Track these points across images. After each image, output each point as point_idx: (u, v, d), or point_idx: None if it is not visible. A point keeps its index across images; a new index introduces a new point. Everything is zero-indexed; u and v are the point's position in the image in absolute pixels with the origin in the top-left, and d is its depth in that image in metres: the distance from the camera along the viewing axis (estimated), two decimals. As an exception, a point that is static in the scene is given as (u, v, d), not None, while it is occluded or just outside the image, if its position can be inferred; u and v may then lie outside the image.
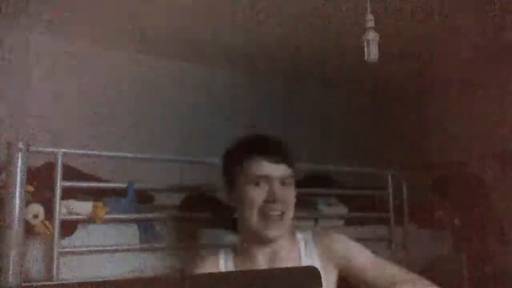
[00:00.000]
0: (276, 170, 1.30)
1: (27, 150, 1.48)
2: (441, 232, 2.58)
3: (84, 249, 1.61)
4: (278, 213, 1.28)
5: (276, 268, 1.19)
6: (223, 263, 1.34)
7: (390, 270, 1.29)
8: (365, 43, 1.45)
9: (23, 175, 1.46)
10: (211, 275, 1.14)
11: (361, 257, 1.31)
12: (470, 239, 2.60)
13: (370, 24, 1.45)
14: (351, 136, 3.30)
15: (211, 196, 2.00)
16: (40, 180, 1.57)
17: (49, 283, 1.46)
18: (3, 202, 1.45)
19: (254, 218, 1.28)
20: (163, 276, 1.61)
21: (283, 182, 1.31)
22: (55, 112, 2.44)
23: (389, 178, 2.38)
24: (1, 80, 2.32)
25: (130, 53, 2.74)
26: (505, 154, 2.88)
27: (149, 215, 1.78)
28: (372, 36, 1.44)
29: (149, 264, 1.70)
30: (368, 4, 1.46)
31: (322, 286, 0.87)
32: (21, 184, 1.46)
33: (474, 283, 2.53)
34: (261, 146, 1.35)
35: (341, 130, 3.28)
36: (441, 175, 2.88)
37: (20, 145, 1.47)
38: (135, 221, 1.73)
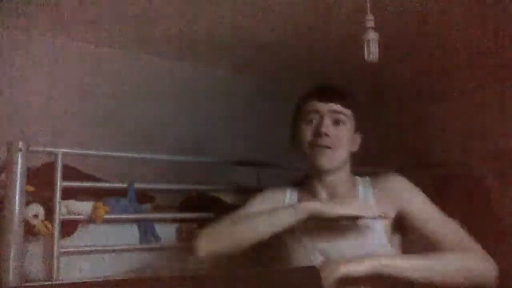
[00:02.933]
0: (325, 106, 1.43)
1: (27, 150, 1.48)
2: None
3: (84, 249, 1.61)
4: (325, 145, 1.40)
5: (276, 268, 1.20)
6: (289, 196, 1.49)
7: (447, 231, 1.38)
8: (365, 43, 1.45)
9: (23, 175, 1.47)
10: (211, 275, 1.14)
11: (421, 204, 1.40)
12: (470, 239, 2.59)
13: (370, 24, 1.46)
14: (351, 136, 3.30)
15: (211, 196, 2.01)
16: (40, 180, 1.57)
17: (49, 283, 1.46)
18: (3, 202, 1.45)
19: (307, 151, 1.43)
20: (163, 276, 1.61)
21: (335, 121, 1.43)
22: (55, 112, 2.44)
23: (389, 178, 2.37)
24: (1, 80, 2.32)
25: (130, 53, 2.74)
26: (505, 154, 2.88)
27: (149, 215, 1.79)
28: (372, 36, 1.44)
29: (149, 264, 1.70)
30: (368, 4, 1.46)
31: (322, 286, 0.87)
32: (21, 184, 1.46)
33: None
34: (316, 88, 1.52)
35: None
36: (441, 175, 2.88)
37: (20, 145, 1.47)
38: (135, 221, 1.73)
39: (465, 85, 3.23)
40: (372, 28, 1.45)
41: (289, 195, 1.50)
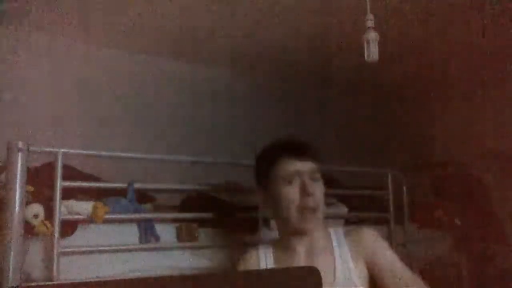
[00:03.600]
0: (304, 166, 1.42)
1: (27, 150, 1.48)
2: (441, 232, 2.58)
3: (84, 249, 1.61)
4: (312, 206, 1.40)
5: (276, 268, 1.20)
6: (263, 258, 1.48)
7: (404, 279, 1.33)
8: (365, 43, 1.45)
9: (23, 175, 1.46)
10: (211, 275, 1.14)
11: (384, 257, 1.40)
12: (470, 239, 2.60)
13: (370, 24, 1.46)
14: (351, 136, 3.30)
15: (211, 196, 2.00)
16: (40, 180, 1.57)
17: (49, 283, 1.46)
18: (3, 202, 1.45)
19: (292, 213, 1.40)
20: (163, 276, 1.61)
21: (312, 178, 1.42)
22: (55, 112, 2.43)
23: (389, 178, 2.38)
24: (1, 80, 2.32)
25: (130, 53, 2.74)
26: (505, 154, 2.88)
27: (149, 215, 1.79)
28: (372, 36, 1.44)
29: (149, 264, 1.70)
30: (368, 4, 1.46)
31: (322, 286, 0.87)
32: (21, 184, 1.46)
33: (474, 283, 2.53)
34: (288, 147, 1.48)
35: (341, 130, 3.28)
36: (441, 175, 2.88)
37: (20, 145, 1.47)
38: (135, 221, 1.73)
39: (465, 85, 3.23)
40: (372, 28, 1.45)
41: (264, 257, 1.49)
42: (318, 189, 1.42)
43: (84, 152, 1.73)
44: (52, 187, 1.54)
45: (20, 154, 1.46)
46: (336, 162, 2.39)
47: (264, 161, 1.50)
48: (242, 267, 1.49)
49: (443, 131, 3.40)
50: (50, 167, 1.59)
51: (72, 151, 1.65)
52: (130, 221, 1.73)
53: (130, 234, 1.71)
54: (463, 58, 2.83)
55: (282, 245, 1.49)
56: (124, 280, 1.08)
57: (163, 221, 1.82)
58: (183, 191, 2.05)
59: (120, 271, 1.62)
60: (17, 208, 1.44)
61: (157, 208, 1.95)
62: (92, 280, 1.48)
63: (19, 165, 1.46)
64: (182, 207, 1.98)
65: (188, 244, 1.78)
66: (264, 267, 1.45)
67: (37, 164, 1.66)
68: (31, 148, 1.50)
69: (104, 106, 2.62)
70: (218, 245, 1.84)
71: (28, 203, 1.50)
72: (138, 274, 1.64)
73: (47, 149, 1.59)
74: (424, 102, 3.52)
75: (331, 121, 3.33)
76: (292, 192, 1.40)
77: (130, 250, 1.69)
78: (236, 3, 2.22)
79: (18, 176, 1.45)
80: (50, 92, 2.47)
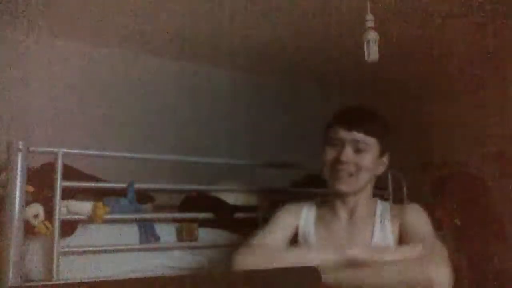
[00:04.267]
0: (347, 135, 1.47)
1: (27, 150, 1.48)
2: (441, 232, 2.58)
3: (84, 249, 1.61)
4: (345, 171, 1.45)
5: (276, 268, 1.20)
6: (306, 212, 1.55)
7: (423, 242, 1.39)
8: (365, 43, 1.45)
9: (23, 175, 1.46)
10: (211, 274, 1.14)
11: (415, 227, 1.45)
12: (470, 239, 2.60)
13: (370, 24, 1.46)
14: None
15: (211, 196, 2.01)
16: (40, 180, 1.57)
17: (49, 283, 1.46)
18: (3, 202, 1.45)
19: (327, 174, 1.49)
20: (163, 276, 1.61)
21: (356, 148, 1.46)
22: (55, 112, 2.44)
23: (389, 178, 2.38)
24: (1, 80, 2.32)
25: (130, 53, 2.74)
26: (505, 154, 2.88)
27: (149, 215, 1.78)
28: (372, 36, 1.44)
29: (149, 264, 1.70)
30: (368, 4, 1.47)
31: (322, 286, 0.87)
32: (21, 184, 1.46)
33: (474, 283, 2.53)
34: (343, 113, 1.55)
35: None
36: (441, 175, 2.88)
37: (20, 145, 1.47)
38: (135, 221, 1.73)
39: (465, 85, 3.23)
40: (372, 28, 1.45)
41: (306, 211, 1.56)
42: (360, 159, 1.46)
43: (84, 152, 1.73)
44: (52, 187, 1.54)
45: (20, 154, 1.46)
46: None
47: (328, 124, 1.57)
48: (282, 214, 1.54)
49: (443, 131, 3.40)
50: (50, 167, 1.58)
51: (72, 151, 1.65)
52: (130, 221, 1.73)
53: (130, 234, 1.71)
54: (463, 58, 2.83)
55: (326, 205, 1.55)
56: (124, 280, 1.08)
57: (163, 221, 1.82)
58: (183, 191, 2.05)
59: (120, 271, 1.62)
60: (17, 208, 1.44)
61: (157, 208, 1.95)
62: (92, 280, 1.48)
63: (19, 165, 1.46)
64: (182, 207, 1.98)
65: (188, 244, 1.78)
66: (305, 221, 1.52)
67: (37, 164, 1.66)
68: (31, 148, 1.50)
69: (103, 106, 2.62)
70: (218, 245, 1.84)
71: (28, 203, 1.50)
72: (138, 274, 1.64)
73: (47, 149, 1.59)
74: (424, 102, 3.52)
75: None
76: (329, 154, 1.48)
77: (130, 250, 1.69)
78: (236, 3, 2.22)
79: (18, 176, 1.45)
80: (50, 92, 2.47)
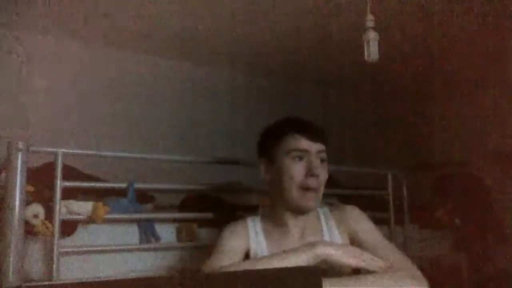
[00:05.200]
0: (314, 146, 1.40)
1: (27, 150, 1.48)
2: (441, 232, 2.58)
3: (84, 249, 1.61)
4: (315, 186, 1.38)
5: (276, 268, 1.19)
6: (253, 232, 1.44)
7: (386, 253, 1.34)
8: (365, 43, 1.45)
9: (23, 175, 1.46)
10: (210, 274, 1.14)
11: (367, 234, 1.40)
12: (470, 239, 2.60)
13: (370, 24, 1.46)
14: (351, 136, 3.30)
15: (211, 196, 2.00)
16: (40, 180, 1.57)
17: (49, 283, 1.46)
18: (3, 202, 1.45)
19: (294, 190, 1.38)
20: (163, 276, 1.61)
21: (318, 159, 1.40)
22: (55, 112, 2.44)
23: (389, 178, 2.38)
24: (1, 80, 2.32)
25: (130, 53, 2.74)
26: (505, 154, 2.88)
27: (149, 215, 1.78)
28: (372, 36, 1.44)
29: (149, 264, 1.70)
30: (368, 4, 1.47)
31: (322, 286, 0.87)
32: (21, 184, 1.46)
33: (474, 283, 2.53)
34: (301, 124, 1.45)
35: (341, 130, 3.28)
36: (441, 175, 2.88)
37: (20, 145, 1.47)
38: (135, 221, 1.73)
39: (465, 85, 3.23)
40: (372, 28, 1.45)
41: (253, 231, 1.45)
42: (323, 171, 1.41)
43: (84, 152, 1.73)
44: (52, 187, 1.54)
45: (20, 154, 1.46)
46: (336, 162, 2.39)
47: (274, 132, 1.47)
48: (229, 237, 1.42)
49: (443, 131, 3.41)
50: (50, 167, 1.58)
51: (72, 151, 1.65)
52: (130, 221, 1.73)
53: (130, 234, 1.71)
54: (463, 58, 2.83)
55: (274, 220, 1.45)
56: (124, 280, 1.08)
57: (163, 221, 1.82)
58: (183, 191, 2.05)
59: (120, 271, 1.62)
60: (17, 208, 1.44)
61: (157, 208, 1.95)
62: (92, 280, 1.48)
63: (19, 165, 1.46)
64: (182, 207, 1.98)
65: (188, 244, 1.78)
66: (255, 243, 1.42)
67: (37, 164, 1.66)
68: (31, 148, 1.50)
69: (104, 106, 2.62)
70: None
71: (28, 203, 1.50)
72: (138, 274, 1.64)
73: (47, 149, 1.59)
74: (424, 102, 3.53)
75: (331, 121, 3.33)
76: (298, 169, 1.38)
77: (130, 250, 1.69)
78: (236, 4, 2.22)
79: (18, 176, 1.45)
80: (50, 92, 2.47)
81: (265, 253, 1.39)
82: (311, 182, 1.37)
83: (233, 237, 1.42)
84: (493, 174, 2.88)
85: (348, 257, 1.26)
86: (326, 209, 1.50)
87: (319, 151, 1.41)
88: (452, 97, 3.39)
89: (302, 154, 1.39)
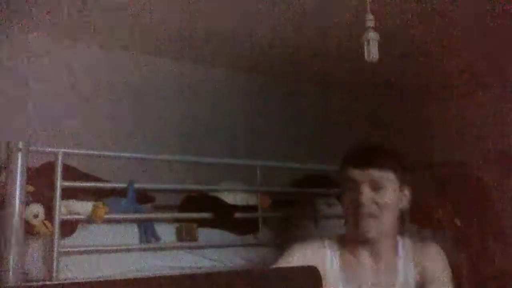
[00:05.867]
0: (362, 175, 1.40)
1: (27, 150, 1.48)
2: (441, 232, 2.58)
3: (84, 249, 1.61)
4: (366, 213, 1.37)
5: (276, 268, 1.19)
6: (329, 257, 1.43)
7: None
8: (365, 43, 1.45)
9: (23, 175, 1.46)
10: (211, 274, 1.14)
11: (438, 276, 1.41)
12: (470, 239, 2.60)
13: (370, 24, 1.45)
14: (351, 136, 3.30)
15: (211, 196, 2.01)
16: (40, 180, 1.57)
17: (49, 283, 1.46)
18: (3, 202, 1.45)
19: (350, 219, 1.42)
20: (163, 276, 1.61)
21: (374, 187, 1.39)
22: (55, 112, 2.44)
23: (389, 178, 2.37)
24: (1, 80, 2.32)
25: (130, 53, 2.74)
26: (505, 154, 2.88)
27: (149, 215, 1.79)
28: (372, 36, 1.44)
29: (149, 264, 1.70)
30: (368, 4, 1.46)
31: (322, 286, 0.87)
32: (21, 184, 1.46)
33: (474, 283, 2.53)
34: (353, 154, 1.48)
35: (341, 130, 3.28)
36: (442, 175, 2.88)
37: (20, 145, 1.47)
38: (135, 221, 1.73)
39: (465, 85, 3.23)
40: (372, 28, 1.45)
41: (330, 254, 1.44)
42: (380, 197, 1.39)
43: (84, 152, 1.73)
44: (52, 187, 1.54)
45: (20, 154, 1.46)
46: (336, 162, 2.39)
47: (340, 166, 1.49)
48: (305, 251, 1.42)
49: (443, 131, 3.40)
50: (50, 167, 1.58)
51: (72, 151, 1.65)
52: (130, 221, 1.73)
53: (130, 234, 1.71)
54: (463, 58, 2.83)
55: (348, 247, 1.45)
56: (124, 280, 1.08)
57: (163, 221, 1.82)
58: (183, 191, 2.05)
59: (120, 271, 1.62)
60: (17, 208, 1.44)
61: (157, 208, 1.95)
62: (92, 280, 1.48)
63: (19, 165, 1.46)
64: (182, 207, 1.98)
65: (188, 244, 1.78)
66: (330, 266, 1.41)
67: (37, 164, 1.66)
68: (31, 148, 1.50)
69: (104, 106, 2.62)
70: (218, 245, 1.84)
71: (28, 203, 1.50)
72: (138, 274, 1.64)
73: (47, 149, 1.59)
74: (424, 102, 3.52)
75: (331, 121, 3.33)
76: (349, 198, 1.41)
77: (130, 250, 1.69)
78: (236, 3, 2.22)
79: (18, 176, 1.45)
80: (50, 92, 2.47)
81: (338, 279, 1.38)
82: (361, 210, 1.37)
83: (310, 254, 1.42)
84: (493, 174, 2.88)
85: None
86: (409, 241, 1.48)
87: (371, 179, 1.39)
88: (452, 97, 3.39)
89: (353, 185, 1.40)
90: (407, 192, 1.46)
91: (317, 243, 1.46)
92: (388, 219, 1.40)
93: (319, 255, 1.43)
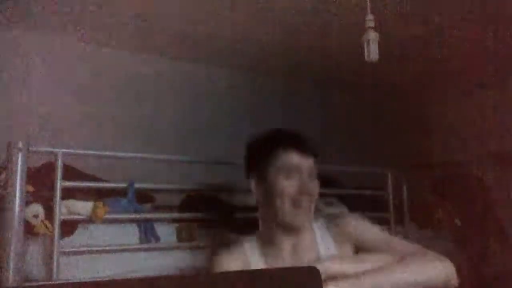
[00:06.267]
0: (305, 162, 1.36)
1: (27, 150, 1.48)
2: (441, 232, 2.58)
3: (84, 249, 1.61)
4: (307, 204, 1.35)
5: (276, 268, 1.20)
6: (249, 251, 1.38)
7: (399, 246, 1.33)
8: (365, 43, 1.45)
9: (23, 175, 1.46)
10: (210, 274, 1.14)
11: (372, 236, 1.37)
12: (470, 239, 2.60)
13: (370, 24, 1.46)
14: (351, 136, 3.30)
15: (211, 196, 2.01)
16: (40, 180, 1.57)
17: (49, 283, 1.46)
18: (3, 202, 1.45)
19: (286, 208, 1.33)
20: (163, 276, 1.61)
21: (310, 175, 1.36)
22: (55, 112, 2.43)
23: (389, 178, 2.38)
24: (1, 80, 2.32)
25: (130, 53, 2.74)
26: (505, 154, 2.88)
27: (149, 215, 1.79)
28: (372, 36, 1.44)
29: (149, 264, 1.70)
30: (368, 4, 1.47)
31: (322, 286, 0.87)
32: (21, 184, 1.46)
33: (474, 283, 2.53)
34: (291, 138, 1.40)
35: (341, 130, 3.28)
36: (441, 175, 2.88)
37: (20, 145, 1.47)
38: (135, 221, 1.73)
39: (465, 85, 3.23)
40: (372, 28, 1.45)
41: (250, 250, 1.39)
42: (314, 187, 1.37)
43: (84, 152, 1.73)
44: (52, 187, 1.54)
45: (20, 154, 1.46)
46: (336, 162, 2.39)
47: (263, 148, 1.41)
48: (227, 261, 1.35)
49: (443, 131, 3.40)
50: (50, 167, 1.59)
51: (72, 151, 1.65)
52: (130, 221, 1.73)
53: (130, 234, 1.71)
54: (463, 58, 2.83)
55: (267, 239, 1.39)
56: (124, 280, 1.08)
57: (163, 221, 1.82)
58: (183, 191, 2.05)
59: (120, 271, 1.62)
60: (17, 208, 1.44)
61: (157, 208, 1.95)
62: (92, 280, 1.48)
63: (19, 165, 1.46)
64: (182, 207, 1.98)
65: (188, 244, 1.78)
66: (254, 262, 1.36)
67: (37, 164, 1.66)
68: (31, 148, 1.50)
69: (104, 106, 2.62)
70: (218, 245, 1.84)
71: (28, 203, 1.50)
72: (138, 274, 1.64)
73: (47, 149, 1.59)
74: (424, 102, 3.52)
75: (331, 121, 3.33)
76: (289, 187, 1.33)
77: (130, 250, 1.69)
78: (236, 3, 2.22)
79: (18, 176, 1.45)
80: (50, 92, 2.47)
81: None
82: (304, 200, 1.34)
83: (231, 262, 1.35)
84: (493, 174, 2.88)
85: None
86: (320, 223, 1.43)
87: (311, 167, 1.37)
88: (452, 97, 3.39)
89: (293, 171, 1.34)
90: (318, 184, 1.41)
91: (236, 250, 1.40)
92: (313, 208, 1.38)
93: (240, 262, 1.36)
